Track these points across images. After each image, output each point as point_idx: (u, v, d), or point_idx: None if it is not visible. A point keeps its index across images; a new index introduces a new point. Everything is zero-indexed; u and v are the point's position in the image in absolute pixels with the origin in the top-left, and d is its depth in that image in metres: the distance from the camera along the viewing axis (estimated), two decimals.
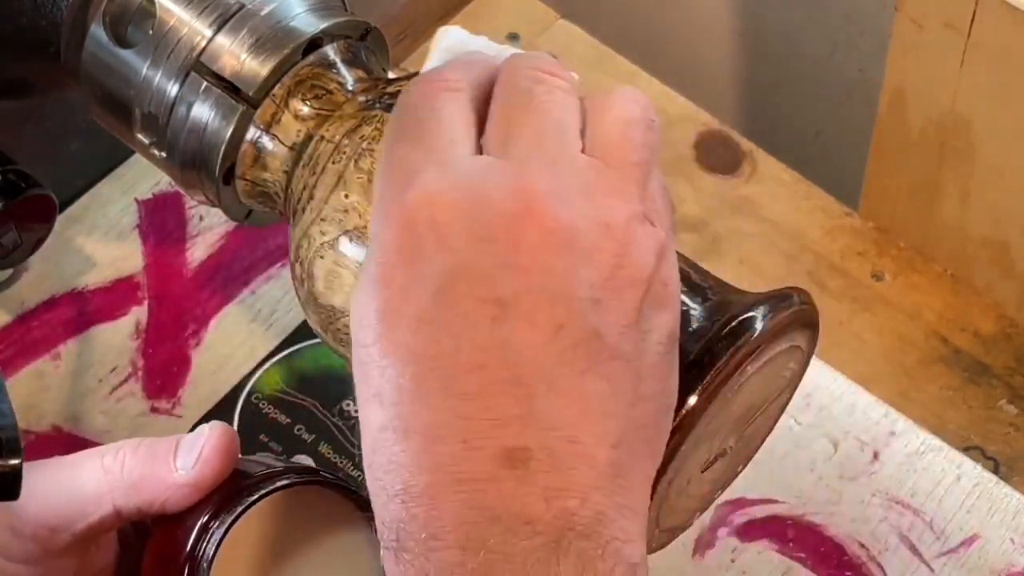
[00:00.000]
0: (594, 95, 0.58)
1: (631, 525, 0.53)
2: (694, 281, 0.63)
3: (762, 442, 0.68)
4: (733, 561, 0.82)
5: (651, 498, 0.60)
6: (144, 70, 0.69)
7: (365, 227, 0.63)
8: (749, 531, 0.83)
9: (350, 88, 0.68)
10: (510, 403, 0.52)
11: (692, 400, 0.59)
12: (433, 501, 0.52)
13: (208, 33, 0.68)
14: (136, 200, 0.92)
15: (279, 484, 0.66)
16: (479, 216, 0.53)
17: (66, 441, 0.84)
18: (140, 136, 0.70)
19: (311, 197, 0.65)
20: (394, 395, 0.53)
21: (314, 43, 0.68)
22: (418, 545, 0.52)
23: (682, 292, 0.62)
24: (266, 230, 0.90)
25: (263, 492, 0.65)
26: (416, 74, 0.67)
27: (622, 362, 0.54)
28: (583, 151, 0.56)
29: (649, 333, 0.55)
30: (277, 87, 0.67)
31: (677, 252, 0.64)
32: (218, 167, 0.68)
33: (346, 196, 0.64)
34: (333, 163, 0.65)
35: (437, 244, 0.53)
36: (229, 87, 0.67)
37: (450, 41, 0.67)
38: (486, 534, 0.51)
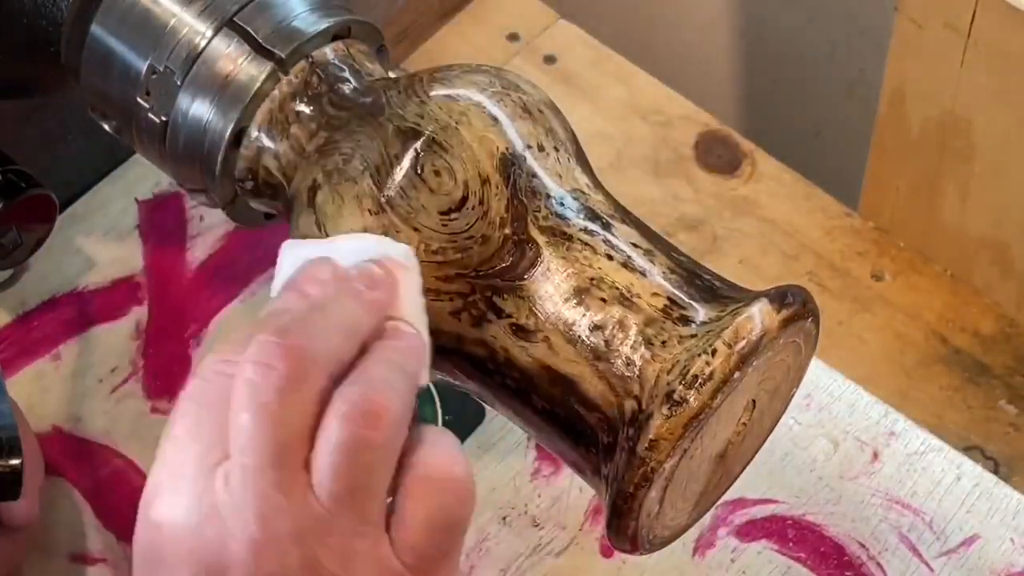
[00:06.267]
0: (418, 461, 0.56)
1: None
2: (695, 279, 0.63)
3: (761, 444, 0.68)
4: (733, 561, 0.82)
5: (652, 496, 0.60)
6: (146, 67, 0.69)
7: None
8: (749, 531, 0.83)
9: (353, 87, 0.68)
10: None
11: (694, 397, 0.59)
12: None
13: (209, 32, 0.68)
14: (136, 200, 0.92)
15: None
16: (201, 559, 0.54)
17: (66, 441, 0.84)
18: (140, 133, 0.70)
19: (316, 192, 0.65)
20: None
21: (315, 43, 0.68)
22: None
23: (683, 291, 0.62)
24: (266, 230, 0.89)
25: None
26: (415, 74, 0.67)
27: None
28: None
29: None
30: (280, 85, 0.67)
31: (680, 250, 0.64)
32: (219, 164, 0.68)
33: None
34: (337, 159, 0.65)
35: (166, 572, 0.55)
36: (227, 90, 0.67)
37: (292, 259, 0.62)
38: None
